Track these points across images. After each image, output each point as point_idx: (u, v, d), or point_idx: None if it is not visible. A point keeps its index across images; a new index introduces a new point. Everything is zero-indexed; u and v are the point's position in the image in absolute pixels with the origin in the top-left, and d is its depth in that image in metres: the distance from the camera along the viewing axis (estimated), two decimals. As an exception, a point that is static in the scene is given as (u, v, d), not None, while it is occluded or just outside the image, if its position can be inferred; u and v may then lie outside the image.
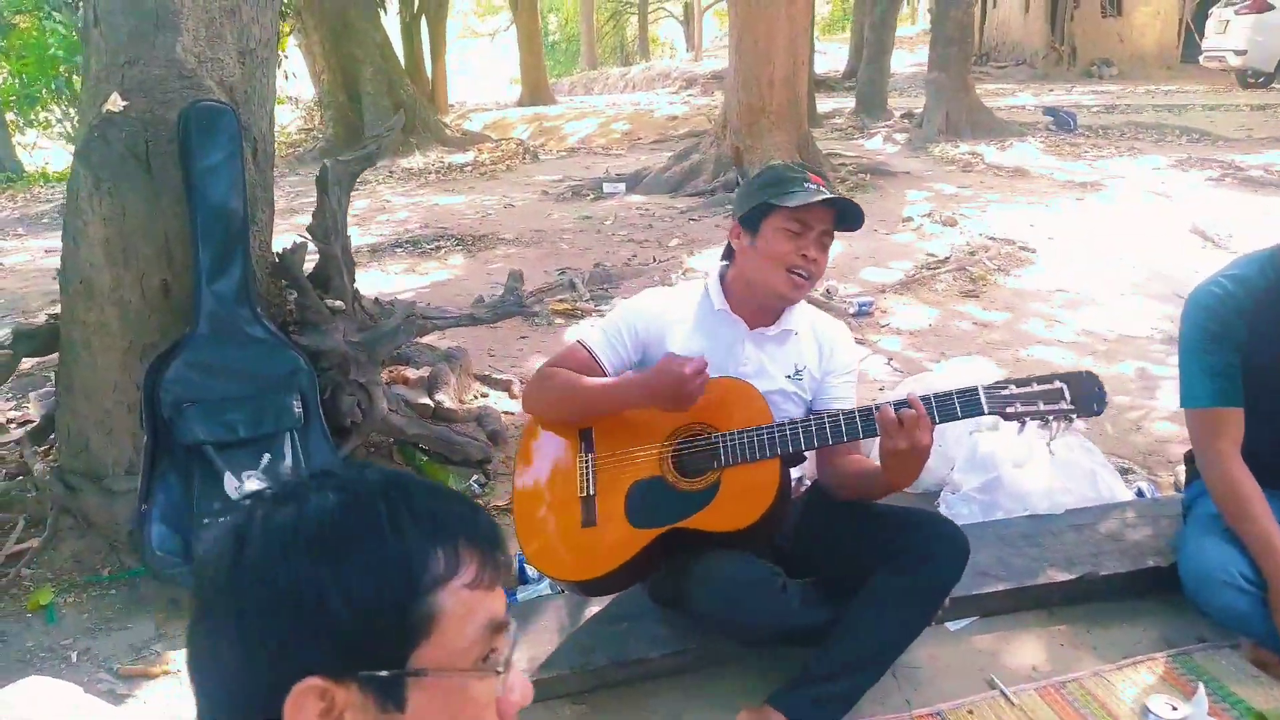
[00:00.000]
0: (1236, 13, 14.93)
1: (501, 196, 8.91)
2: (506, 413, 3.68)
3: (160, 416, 2.61)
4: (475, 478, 3.15)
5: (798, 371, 2.10)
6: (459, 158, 11.66)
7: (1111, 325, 4.53)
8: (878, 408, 1.83)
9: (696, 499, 1.94)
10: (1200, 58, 16.34)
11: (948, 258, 5.64)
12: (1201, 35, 16.71)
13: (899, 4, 14.01)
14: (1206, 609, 2.12)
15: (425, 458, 3.21)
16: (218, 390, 2.67)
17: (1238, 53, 15.02)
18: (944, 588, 1.97)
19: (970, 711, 2.04)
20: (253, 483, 2.58)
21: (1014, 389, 1.80)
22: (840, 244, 6.13)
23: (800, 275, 1.96)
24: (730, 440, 1.93)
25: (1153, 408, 3.62)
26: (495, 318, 3.27)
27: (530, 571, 2.54)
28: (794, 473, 2.15)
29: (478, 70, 34.27)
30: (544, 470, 2.10)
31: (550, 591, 2.44)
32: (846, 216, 1.98)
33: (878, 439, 1.84)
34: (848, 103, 13.95)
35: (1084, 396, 1.77)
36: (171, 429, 2.61)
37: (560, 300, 5.06)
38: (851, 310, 4.73)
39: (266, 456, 2.68)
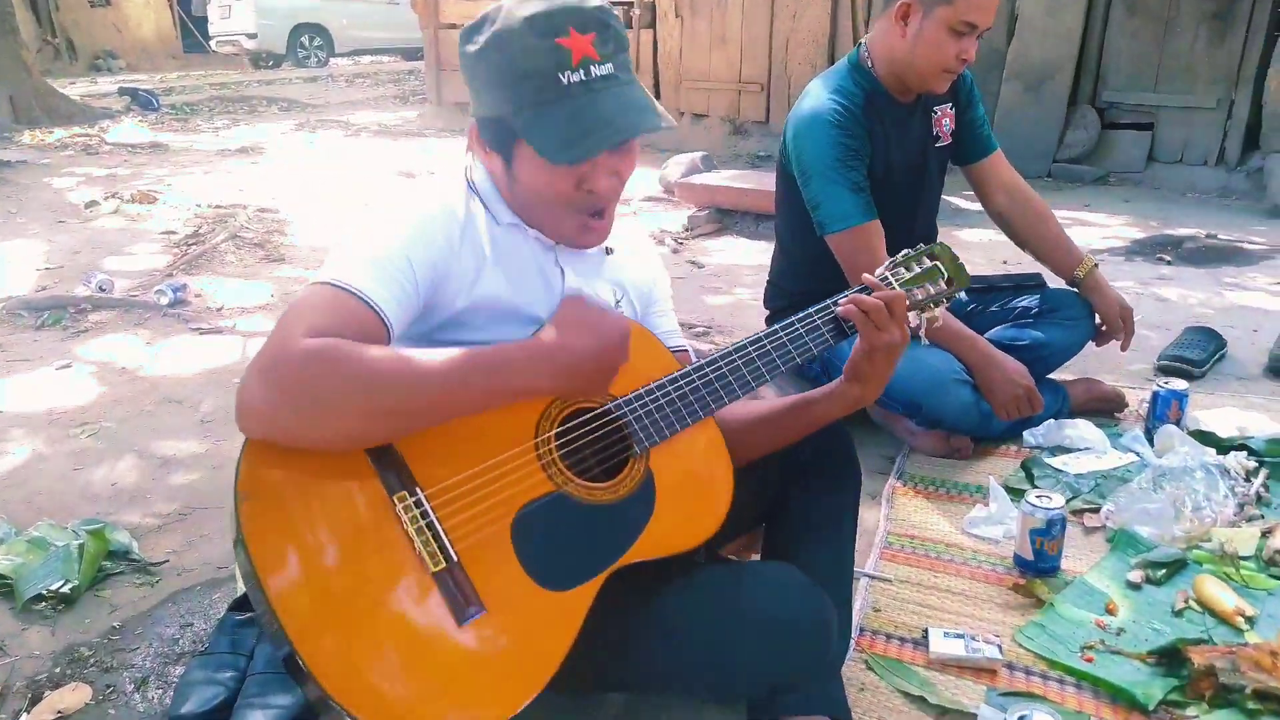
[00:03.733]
0: (234, -2, 15.51)
1: None
2: None
3: None
4: None
5: (617, 302, 1.45)
6: None
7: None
8: (834, 302, 1.37)
9: (629, 511, 1.23)
10: (213, 43, 16.58)
11: (197, 232, 4.66)
12: (192, 20, 16.98)
13: None
14: (941, 412, 2.17)
15: None
16: None
17: (250, 36, 15.67)
18: (857, 489, 1.59)
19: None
20: None
21: (904, 274, 1.45)
22: (31, 240, 4.60)
23: (597, 217, 1.29)
24: (641, 406, 1.28)
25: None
26: None
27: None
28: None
29: None
30: (332, 544, 1.07)
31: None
32: None
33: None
34: None
35: (957, 265, 1.48)
36: None
37: None
38: (165, 300, 3.57)
39: None
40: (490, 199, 1.30)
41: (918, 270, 1.46)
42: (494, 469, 1.16)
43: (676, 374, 1.30)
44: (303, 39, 15.78)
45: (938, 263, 1.47)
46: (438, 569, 1.08)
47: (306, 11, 15.75)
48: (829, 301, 1.37)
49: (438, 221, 1.22)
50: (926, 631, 1.64)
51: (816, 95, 2.21)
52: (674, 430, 1.28)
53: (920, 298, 1.44)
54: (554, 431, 1.22)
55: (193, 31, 17.81)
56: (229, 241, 4.45)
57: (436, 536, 1.09)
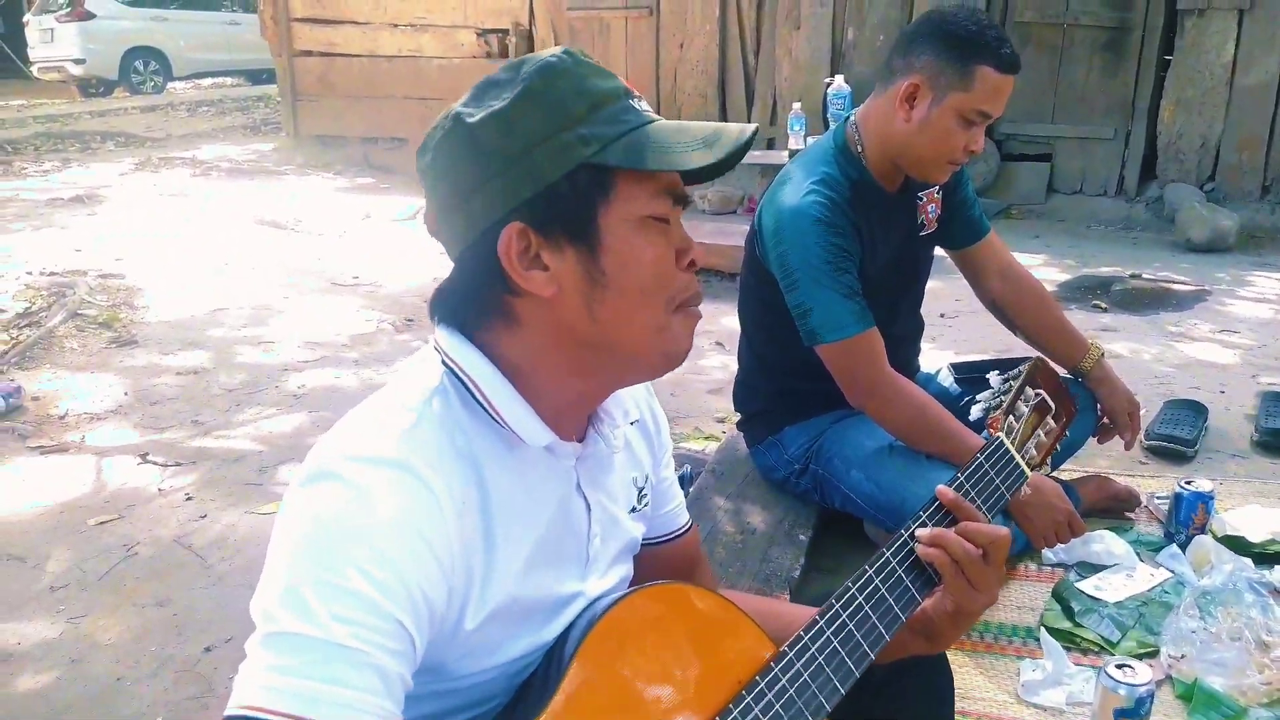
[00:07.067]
0: (58, 20, 14.25)
1: None
2: None
3: None
4: None
5: (641, 492, 1.05)
6: None
7: (336, 329, 3.84)
8: (913, 536, 0.99)
9: None
10: (35, 69, 15.18)
11: (29, 310, 3.99)
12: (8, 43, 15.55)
13: None
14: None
15: None
16: None
17: (77, 61, 14.40)
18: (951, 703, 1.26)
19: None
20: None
21: (1012, 420, 1.11)
22: None
23: (693, 305, 0.89)
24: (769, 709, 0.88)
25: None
26: None
27: None
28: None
29: None
30: None
31: None
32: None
33: None
34: None
35: (1058, 387, 1.20)
36: None
37: None
38: (-5, 411, 2.97)
39: None
40: (500, 396, 0.82)
41: (1025, 411, 1.12)
42: None
43: (786, 661, 0.89)
44: (137, 63, 14.59)
45: (1042, 393, 1.14)
46: None
47: (140, 34, 14.58)
48: (903, 534, 0.99)
49: (424, 521, 0.75)
50: None
51: (798, 184, 1.91)
52: None
53: (1038, 457, 1.12)
54: None
55: (10, 55, 16.28)
56: (69, 322, 3.81)
57: None
